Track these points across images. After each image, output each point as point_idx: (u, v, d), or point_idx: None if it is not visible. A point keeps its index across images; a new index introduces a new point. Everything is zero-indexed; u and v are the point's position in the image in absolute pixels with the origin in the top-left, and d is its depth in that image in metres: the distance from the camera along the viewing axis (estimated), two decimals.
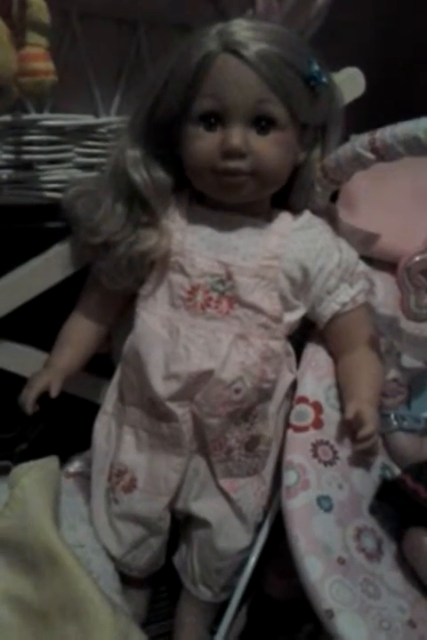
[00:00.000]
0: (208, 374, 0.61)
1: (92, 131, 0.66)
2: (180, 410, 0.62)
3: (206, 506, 0.65)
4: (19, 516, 0.55)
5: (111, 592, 0.59)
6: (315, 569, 0.55)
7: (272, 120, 0.59)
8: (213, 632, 0.68)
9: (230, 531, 0.65)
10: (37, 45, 0.54)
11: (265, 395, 0.65)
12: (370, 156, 0.62)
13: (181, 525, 0.69)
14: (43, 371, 0.67)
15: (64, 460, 0.71)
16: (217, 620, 0.66)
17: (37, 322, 0.72)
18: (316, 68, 0.60)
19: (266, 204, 0.67)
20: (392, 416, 0.68)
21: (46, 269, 0.69)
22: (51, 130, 0.63)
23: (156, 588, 0.75)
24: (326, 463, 0.62)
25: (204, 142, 0.60)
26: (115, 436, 0.67)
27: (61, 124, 0.64)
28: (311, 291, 0.66)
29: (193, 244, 0.64)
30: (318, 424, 0.64)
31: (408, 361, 0.71)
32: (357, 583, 0.56)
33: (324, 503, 0.59)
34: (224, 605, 0.65)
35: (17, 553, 0.54)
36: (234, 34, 0.58)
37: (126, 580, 0.67)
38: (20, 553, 0.54)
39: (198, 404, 0.62)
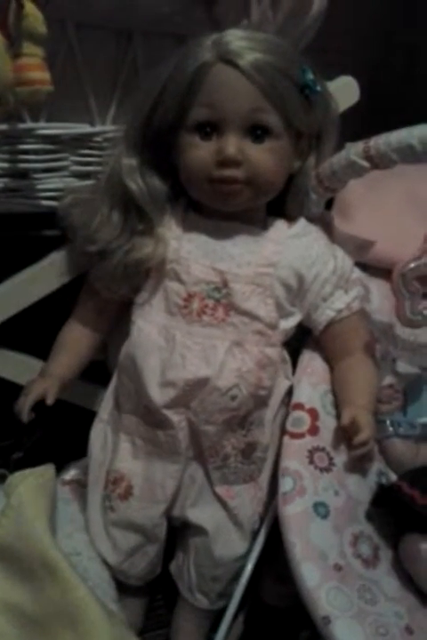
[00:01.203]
0: (204, 381, 0.61)
1: (88, 139, 0.67)
2: (176, 417, 0.62)
3: (203, 513, 0.65)
4: (15, 524, 0.55)
5: (108, 600, 0.59)
6: (311, 575, 0.55)
7: (267, 129, 0.60)
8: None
9: (227, 538, 0.65)
10: (34, 55, 0.54)
11: (261, 402, 0.65)
12: (364, 163, 0.62)
13: (178, 533, 0.69)
14: (38, 378, 0.67)
15: (60, 468, 0.71)
16: (214, 628, 0.66)
17: (33, 330, 0.72)
18: (310, 76, 0.61)
19: (261, 211, 0.67)
20: (388, 422, 0.68)
21: (42, 277, 0.69)
22: (47, 139, 0.64)
23: (152, 596, 0.74)
24: (322, 470, 0.62)
25: (199, 151, 0.60)
26: (111, 444, 0.67)
27: (57, 133, 0.64)
28: (307, 298, 0.66)
29: (189, 251, 0.64)
30: (314, 431, 0.64)
31: (404, 367, 0.71)
32: (353, 589, 0.56)
33: (320, 510, 0.59)
34: (221, 613, 0.65)
35: (13, 561, 0.54)
36: (229, 44, 0.58)
37: (123, 588, 0.67)
38: (17, 561, 0.54)
39: (194, 412, 0.62)
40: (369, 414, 0.63)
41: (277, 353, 0.65)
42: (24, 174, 0.64)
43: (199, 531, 0.65)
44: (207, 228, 0.65)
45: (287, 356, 0.68)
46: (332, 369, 0.69)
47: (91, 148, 0.67)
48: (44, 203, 0.66)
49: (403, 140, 0.58)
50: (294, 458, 0.62)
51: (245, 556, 0.65)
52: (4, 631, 0.52)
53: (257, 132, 0.60)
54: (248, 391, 0.62)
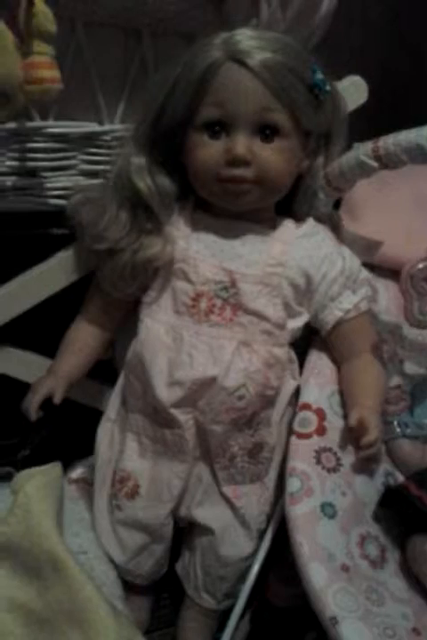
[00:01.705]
0: (211, 381, 0.61)
1: (97, 138, 0.67)
2: (183, 416, 0.62)
3: (209, 513, 0.65)
4: (22, 522, 0.55)
5: (114, 599, 0.59)
6: (319, 576, 0.55)
7: (276, 128, 0.60)
8: None
9: (234, 538, 0.65)
10: (43, 53, 0.55)
11: (268, 402, 0.65)
12: (373, 163, 0.62)
13: (184, 532, 0.69)
14: (46, 377, 0.67)
15: (67, 467, 0.71)
16: (220, 628, 0.66)
17: (41, 328, 0.72)
18: (319, 76, 0.61)
19: (270, 211, 0.67)
20: (395, 423, 0.68)
21: (50, 276, 0.69)
22: (55, 137, 0.64)
23: (158, 595, 0.74)
24: (329, 470, 0.61)
25: (208, 150, 0.60)
26: (118, 443, 0.67)
27: (66, 132, 0.64)
28: (314, 298, 0.66)
29: (197, 251, 0.64)
30: (321, 431, 0.63)
31: (411, 368, 0.71)
32: (361, 590, 0.56)
33: (327, 510, 0.59)
34: (227, 613, 0.65)
35: (20, 559, 0.54)
36: (238, 43, 0.58)
37: (129, 587, 0.67)
38: (24, 559, 0.54)
39: (202, 411, 0.62)
40: (376, 415, 0.63)
41: (284, 353, 0.65)
42: (32, 173, 0.64)
43: (206, 530, 0.65)
44: (216, 227, 0.65)
45: (294, 357, 0.68)
46: (339, 369, 0.69)
47: (99, 147, 0.67)
48: (53, 201, 0.66)
49: (412, 139, 0.58)
50: (302, 458, 0.62)
51: (252, 556, 0.65)
52: (11, 630, 0.52)
53: (266, 132, 0.60)
54: (255, 391, 0.62)
